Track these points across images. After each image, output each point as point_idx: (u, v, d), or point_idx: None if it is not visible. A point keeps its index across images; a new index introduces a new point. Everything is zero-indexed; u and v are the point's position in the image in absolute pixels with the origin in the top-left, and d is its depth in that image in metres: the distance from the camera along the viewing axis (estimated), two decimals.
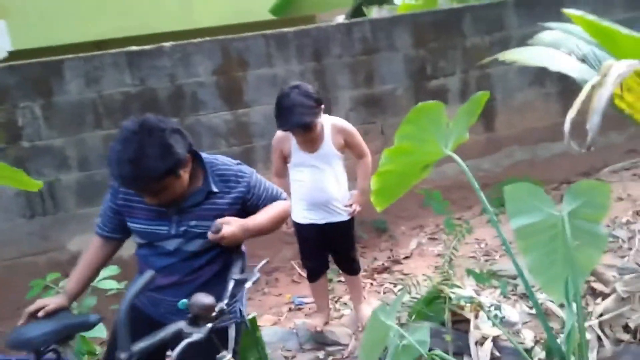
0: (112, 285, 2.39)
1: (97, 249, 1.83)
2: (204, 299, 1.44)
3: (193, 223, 1.70)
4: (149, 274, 1.49)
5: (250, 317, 2.23)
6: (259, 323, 2.96)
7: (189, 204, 1.70)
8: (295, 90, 2.36)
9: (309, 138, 2.47)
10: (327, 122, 2.57)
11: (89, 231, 3.53)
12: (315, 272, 2.83)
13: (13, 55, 3.41)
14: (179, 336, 1.43)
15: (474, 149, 4.44)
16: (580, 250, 1.68)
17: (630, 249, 3.10)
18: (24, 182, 2.07)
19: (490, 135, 4.48)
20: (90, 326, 1.76)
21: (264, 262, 1.76)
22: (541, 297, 2.78)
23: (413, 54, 4.18)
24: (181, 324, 1.45)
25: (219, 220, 1.61)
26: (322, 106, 2.45)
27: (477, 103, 1.80)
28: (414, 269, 3.43)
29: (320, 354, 2.64)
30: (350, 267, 2.84)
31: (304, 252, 2.83)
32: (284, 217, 1.88)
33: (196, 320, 1.44)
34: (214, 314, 1.46)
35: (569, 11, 2.29)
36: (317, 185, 2.59)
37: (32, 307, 1.69)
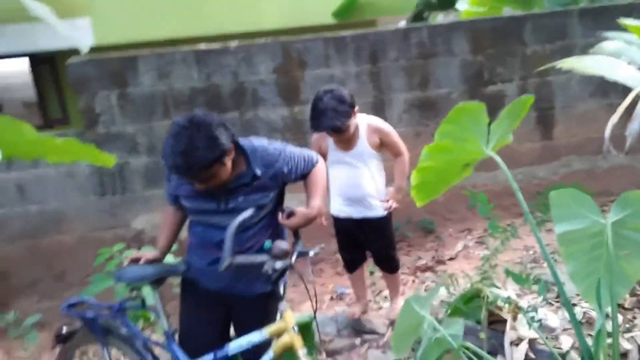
0: (170, 259, 2.60)
1: (172, 214, 2.15)
2: (283, 244, 1.81)
3: (240, 199, 1.93)
4: (248, 211, 1.85)
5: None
6: (301, 309, 3.13)
7: (235, 185, 1.93)
8: (328, 95, 2.45)
9: (343, 138, 2.59)
10: (363, 122, 2.64)
11: (153, 211, 3.85)
12: (352, 264, 2.94)
13: (94, 50, 3.74)
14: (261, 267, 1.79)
15: (530, 157, 4.40)
16: (626, 260, 1.69)
17: None
18: (98, 158, 2.30)
19: (548, 143, 4.41)
20: (179, 273, 2.11)
21: (321, 245, 2.03)
22: (585, 305, 2.76)
23: (470, 60, 4.19)
24: (265, 257, 1.80)
25: (290, 210, 1.91)
26: (356, 108, 2.55)
27: (521, 106, 1.84)
28: (457, 270, 3.46)
29: (357, 341, 2.74)
30: (389, 265, 2.90)
31: (341, 245, 2.94)
32: (325, 183, 2.15)
33: (275, 259, 1.80)
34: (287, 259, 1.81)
35: (625, 21, 2.29)
36: (352, 182, 2.68)
37: (134, 255, 2.08)
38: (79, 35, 3.81)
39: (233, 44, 3.83)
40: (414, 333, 2.03)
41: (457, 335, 2.00)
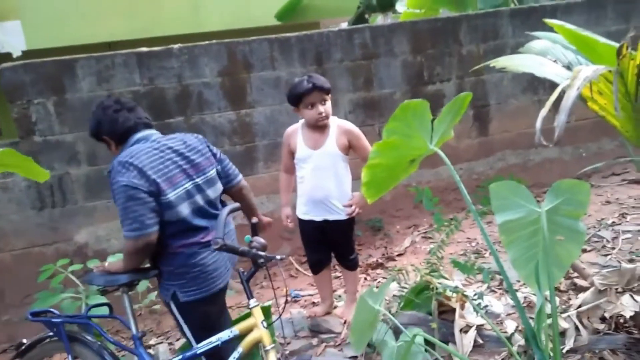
0: None
1: None
2: (261, 240, 2.01)
3: None
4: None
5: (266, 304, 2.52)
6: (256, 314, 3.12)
7: None
8: (311, 76, 2.65)
9: (321, 124, 2.65)
10: (334, 123, 2.71)
11: (96, 223, 3.72)
12: (317, 265, 2.97)
13: (27, 54, 3.57)
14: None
15: (468, 152, 4.60)
16: (560, 245, 1.81)
17: (613, 248, 3.24)
18: (32, 171, 2.18)
19: (484, 140, 4.63)
20: (150, 277, 2.15)
21: (286, 252, 2.20)
22: (526, 291, 2.93)
23: (411, 60, 4.34)
24: (247, 248, 1.94)
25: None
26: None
27: (460, 103, 1.93)
28: (406, 265, 3.57)
29: (314, 341, 2.77)
30: (350, 263, 2.96)
31: (306, 246, 2.98)
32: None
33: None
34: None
35: (550, 21, 2.46)
36: (316, 182, 2.72)
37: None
38: (9, 39, 3.63)
39: (176, 46, 3.76)
40: (371, 327, 2.08)
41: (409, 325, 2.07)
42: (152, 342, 3.18)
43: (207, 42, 3.85)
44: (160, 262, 2.05)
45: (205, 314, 2.10)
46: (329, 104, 2.66)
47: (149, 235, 1.91)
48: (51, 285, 2.42)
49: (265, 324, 1.94)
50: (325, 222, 2.78)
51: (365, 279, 3.54)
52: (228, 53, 3.88)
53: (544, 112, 1.74)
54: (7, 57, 3.17)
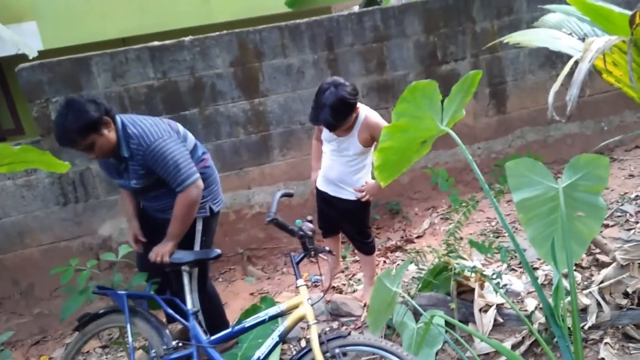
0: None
1: (127, 197, 2.64)
2: (310, 225, 2.18)
3: (132, 175, 2.35)
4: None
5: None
6: (277, 299, 3.16)
7: (119, 161, 2.34)
8: (331, 89, 2.46)
9: (343, 127, 2.59)
10: (362, 114, 2.64)
11: (118, 216, 3.80)
12: (325, 232, 3.15)
13: (43, 54, 3.63)
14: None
15: (486, 131, 4.54)
16: (581, 221, 1.79)
17: (637, 222, 3.17)
18: (52, 164, 2.26)
19: (502, 118, 4.56)
20: (212, 258, 2.38)
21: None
22: (547, 268, 2.90)
23: (423, 40, 4.28)
24: (297, 228, 2.15)
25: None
26: (357, 105, 2.55)
27: (470, 81, 1.91)
28: (424, 247, 3.56)
29: (335, 324, 2.80)
30: (361, 247, 2.98)
31: (318, 212, 3.11)
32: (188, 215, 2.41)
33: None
34: None
35: None
36: (332, 164, 2.81)
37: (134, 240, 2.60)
38: (26, 40, 3.70)
39: (187, 38, 3.79)
40: (388, 309, 2.10)
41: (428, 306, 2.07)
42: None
43: (217, 33, 3.86)
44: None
45: (214, 229, 2.66)
46: (349, 117, 2.54)
47: (198, 175, 2.35)
48: (77, 282, 2.47)
49: (310, 301, 2.07)
50: (336, 198, 2.86)
51: (385, 262, 3.55)
52: (239, 43, 3.89)
53: (555, 86, 1.70)
54: (24, 57, 3.23)
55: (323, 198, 2.96)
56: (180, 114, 3.81)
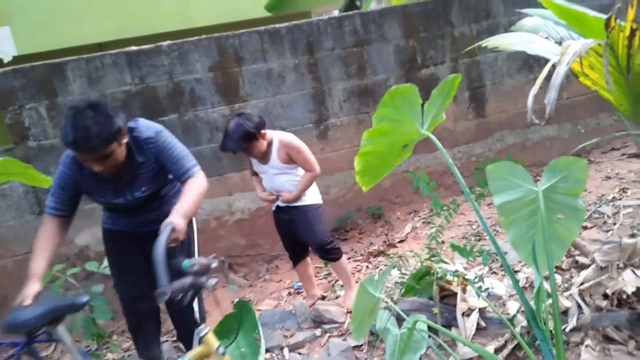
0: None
1: (54, 230, 2.14)
2: (200, 260, 1.65)
3: (143, 189, 2.17)
4: (168, 228, 1.73)
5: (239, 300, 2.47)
6: (260, 307, 3.13)
7: (130, 174, 2.12)
8: (236, 119, 2.76)
9: (252, 155, 2.85)
10: (276, 138, 2.86)
11: (95, 225, 3.70)
12: (293, 257, 3.13)
13: (18, 60, 3.54)
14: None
15: (466, 135, 4.57)
16: (560, 223, 1.79)
17: (614, 224, 3.21)
18: (34, 178, 2.21)
19: (481, 121, 4.60)
20: (79, 307, 1.90)
21: (213, 255, 1.76)
22: (528, 271, 2.91)
23: (403, 45, 4.30)
24: (191, 279, 1.60)
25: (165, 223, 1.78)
26: (263, 132, 2.77)
27: (450, 85, 1.91)
28: (407, 252, 3.56)
29: (318, 332, 2.77)
30: (325, 254, 2.98)
31: (281, 239, 3.13)
32: (198, 198, 2.07)
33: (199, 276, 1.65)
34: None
35: None
36: (272, 186, 2.94)
37: (18, 300, 1.89)
38: None
39: (165, 43, 3.73)
40: (371, 315, 2.08)
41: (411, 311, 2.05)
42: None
43: (196, 37, 3.82)
44: (172, 191, 2.31)
45: None
46: (258, 142, 2.77)
47: None
48: (51, 289, 2.42)
49: (222, 349, 1.70)
50: (287, 207, 2.94)
51: (367, 267, 3.54)
52: (218, 47, 3.85)
53: (534, 90, 1.71)
54: None
55: (278, 219, 3.03)
56: (159, 119, 3.74)
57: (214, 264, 1.68)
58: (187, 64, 3.80)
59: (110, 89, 3.64)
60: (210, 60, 3.85)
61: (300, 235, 2.98)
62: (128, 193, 2.18)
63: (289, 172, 2.89)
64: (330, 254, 2.96)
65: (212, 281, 1.64)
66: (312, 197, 2.95)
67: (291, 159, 2.84)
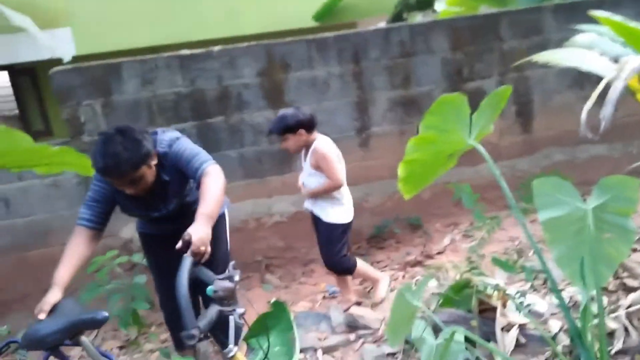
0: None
1: (83, 243, 2.08)
2: (222, 283, 1.55)
3: (174, 201, 2.24)
4: (188, 260, 1.61)
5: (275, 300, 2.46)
6: (294, 309, 3.15)
7: (160, 192, 2.16)
8: (288, 109, 3.00)
9: (286, 144, 2.98)
10: (315, 143, 2.97)
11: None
12: None
13: (76, 60, 3.74)
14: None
15: (511, 150, 4.49)
16: (609, 244, 1.75)
17: None
18: (88, 168, 2.32)
19: (528, 137, 4.51)
20: (99, 323, 1.81)
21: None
22: (571, 290, 2.83)
23: (450, 57, 4.28)
24: (217, 307, 1.52)
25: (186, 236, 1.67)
26: (301, 130, 2.90)
27: (500, 97, 1.91)
28: (447, 263, 3.52)
29: (351, 336, 2.77)
30: (334, 272, 3.12)
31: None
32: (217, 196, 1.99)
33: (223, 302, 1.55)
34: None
35: (596, 13, 2.37)
36: (302, 181, 3.10)
37: (36, 312, 1.86)
38: (60, 45, 3.82)
39: (216, 48, 3.85)
40: (408, 323, 2.07)
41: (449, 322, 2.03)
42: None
43: (246, 44, 3.92)
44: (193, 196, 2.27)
45: None
46: (288, 142, 2.95)
47: None
48: (97, 277, 2.53)
49: None
50: (315, 215, 3.09)
51: (404, 276, 3.52)
52: (266, 54, 3.94)
53: (589, 104, 1.69)
54: (56, 62, 3.33)
55: (312, 218, 3.16)
56: (207, 121, 3.86)
57: (237, 277, 1.59)
58: (235, 69, 3.90)
59: (161, 90, 3.78)
60: (258, 66, 3.94)
61: (318, 243, 3.11)
62: (162, 207, 2.24)
63: (317, 179, 2.98)
64: (338, 274, 3.13)
65: (240, 310, 1.56)
66: (338, 216, 3.02)
67: (318, 165, 2.92)
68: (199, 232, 1.69)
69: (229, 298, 1.55)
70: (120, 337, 3.21)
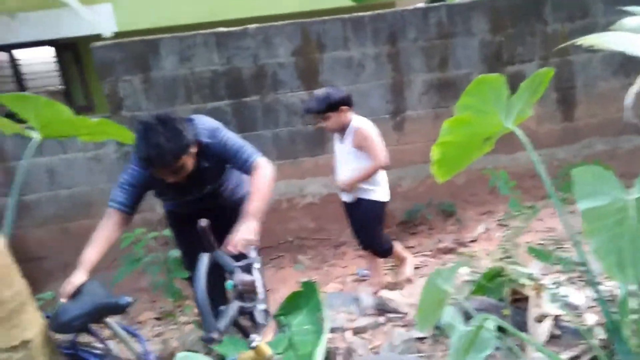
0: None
1: (113, 226, 2.11)
2: (242, 277, 1.53)
3: (209, 187, 2.29)
4: (206, 258, 1.60)
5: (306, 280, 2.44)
6: (324, 290, 3.17)
7: (197, 177, 2.18)
8: (326, 87, 2.92)
9: (328, 122, 2.87)
10: (354, 122, 2.89)
11: None
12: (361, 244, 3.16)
13: (117, 37, 3.79)
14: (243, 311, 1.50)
15: (550, 138, 4.36)
16: None
17: None
18: (128, 137, 2.39)
19: (568, 125, 4.36)
20: (122, 308, 1.85)
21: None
22: (609, 284, 2.75)
23: (489, 40, 4.15)
24: (237, 303, 1.48)
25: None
26: (344, 108, 2.83)
27: (541, 79, 1.83)
28: (479, 252, 3.47)
29: (381, 319, 2.77)
30: (364, 246, 3.09)
31: (350, 227, 3.17)
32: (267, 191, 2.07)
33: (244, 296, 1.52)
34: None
35: None
36: (337, 169, 3.02)
37: (60, 293, 1.91)
38: (101, 20, 3.87)
39: (252, 26, 3.85)
40: (438, 309, 2.05)
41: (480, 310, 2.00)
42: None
43: (281, 22, 3.90)
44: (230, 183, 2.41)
45: None
46: (330, 120, 2.85)
47: None
48: (135, 250, 2.59)
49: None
50: (344, 202, 3.04)
51: (435, 263, 3.48)
52: (302, 33, 3.91)
53: (634, 87, 1.60)
54: (97, 38, 3.39)
55: (346, 206, 3.08)
56: (242, 100, 3.88)
57: (257, 265, 1.59)
58: (271, 48, 3.89)
59: (198, 67, 3.81)
60: (293, 45, 3.92)
61: (352, 227, 3.07)
62: (196, 191, 2.27)
63: (357, 159, 2.89)
64: (378, 255, 3.10)
65: (262, 306, 1.51)
66: (378, 195, 2.94)
67: (361, 145, 2.85)
68: (242, 231, 1.83)
69: (249, 292, 1.53)
70: (156, 308, 3.30)
